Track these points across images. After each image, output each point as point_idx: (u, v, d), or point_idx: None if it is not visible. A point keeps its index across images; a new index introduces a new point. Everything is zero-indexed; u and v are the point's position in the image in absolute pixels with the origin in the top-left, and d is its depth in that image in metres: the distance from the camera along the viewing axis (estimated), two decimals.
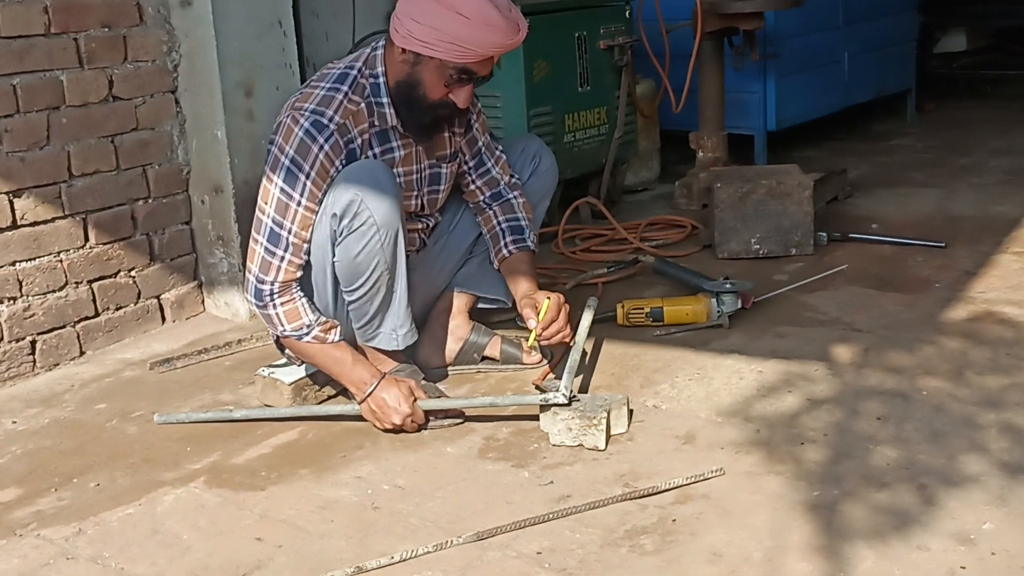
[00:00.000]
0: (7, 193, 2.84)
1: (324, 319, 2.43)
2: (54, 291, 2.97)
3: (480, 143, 2.72)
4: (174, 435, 2.52)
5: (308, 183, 2.37)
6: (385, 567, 1.91)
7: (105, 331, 3.11)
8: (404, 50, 2.37)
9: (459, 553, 1.94)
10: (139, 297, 3.20)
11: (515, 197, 2.76)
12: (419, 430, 2.45)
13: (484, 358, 2.77)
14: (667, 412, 2.47)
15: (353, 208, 2.34)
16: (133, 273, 3.18)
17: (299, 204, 2.37)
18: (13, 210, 2.85)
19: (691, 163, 4.49)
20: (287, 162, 2.36)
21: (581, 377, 2.67)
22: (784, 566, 1.83)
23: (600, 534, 1.97)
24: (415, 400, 2.41)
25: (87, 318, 3.06)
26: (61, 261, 2.98)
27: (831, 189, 4.19)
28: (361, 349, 2.55)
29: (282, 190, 2.37)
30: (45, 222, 2.93)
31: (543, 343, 2.57)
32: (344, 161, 2.41)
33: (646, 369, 2.72)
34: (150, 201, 3.20)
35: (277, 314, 2.41)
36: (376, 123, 2.46)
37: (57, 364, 2.99)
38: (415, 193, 2.60)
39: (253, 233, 2.43)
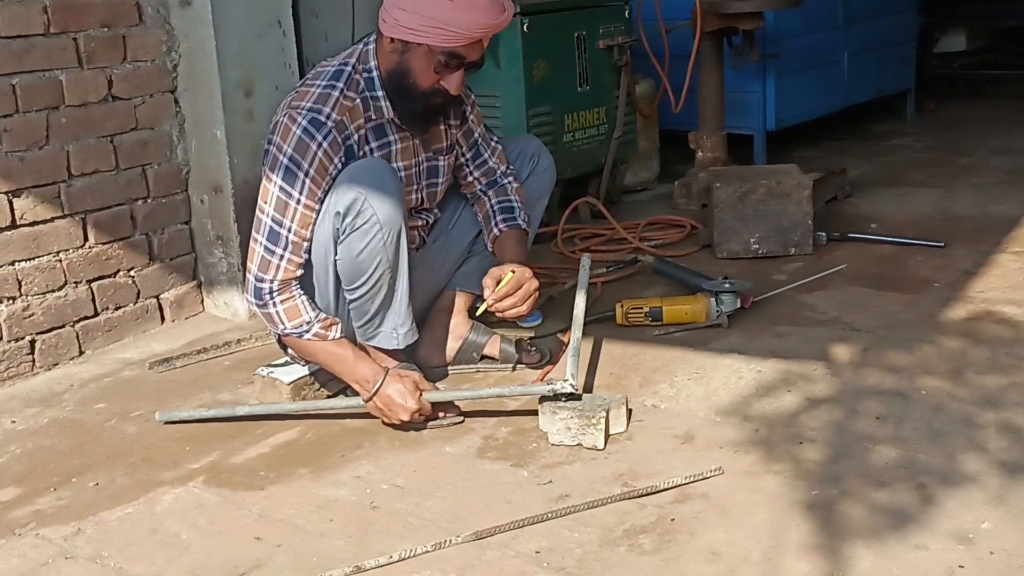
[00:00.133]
0: (6, 193, 2.84)
1: (324, 316, 2.43)
2: (53, 291, 2.97)
3: (476, 134, 2.73)
4: (173, 435, 2.52)
5: (307, 181, 2.37)
6: (384, 566, 1.91)
7: (104, 331, 3.11)
8: (393, 39, 2.38)
9: (458, 552, 1.94)
10: (138, 297, 3.20)
11: (509, 182, 2.77)
12: (427, 422, 2.44)
13: (483, 357, 2.77)
14: (666, 411, 2.47)
15: (356, 206, 2.34)
16: (132, 273, 3.18)
17: (298, 202, 2.37)
18: (12, 210, 2.86)
19: (690, 163, 4.49)
20: (285, 160, 2.37)
21: (581, 376, 2.67)
22: (783, 565, 1.83)
23: (599, 533, 1.97)
24: (421, 394, 2.41)
25: (86, 318, 3.06)
26: (60, 261, 2.98)
27: (830, 189, 4.19)
28: (362, 347, 2.55)
29: (281, 188, 2.37)
30: (44, 222, 2.93)
31: (498, 315, 2.55)
32: (343, 158, 2.42)
33: (645, 369, 2.72)
34: (149, 201, 3.20)
35: (277, 312, 2.41)
36: (373, 116, 2.47)
37: (56, 364, 2.99)
38: (415, 187, 2.60)
39: (253, 232, 2.43)
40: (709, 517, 2.00)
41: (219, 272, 3.29)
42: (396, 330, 2.51)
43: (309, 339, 2.42)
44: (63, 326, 3.00)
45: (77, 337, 3.04)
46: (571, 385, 2.34)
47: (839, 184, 4.28)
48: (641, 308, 3.00)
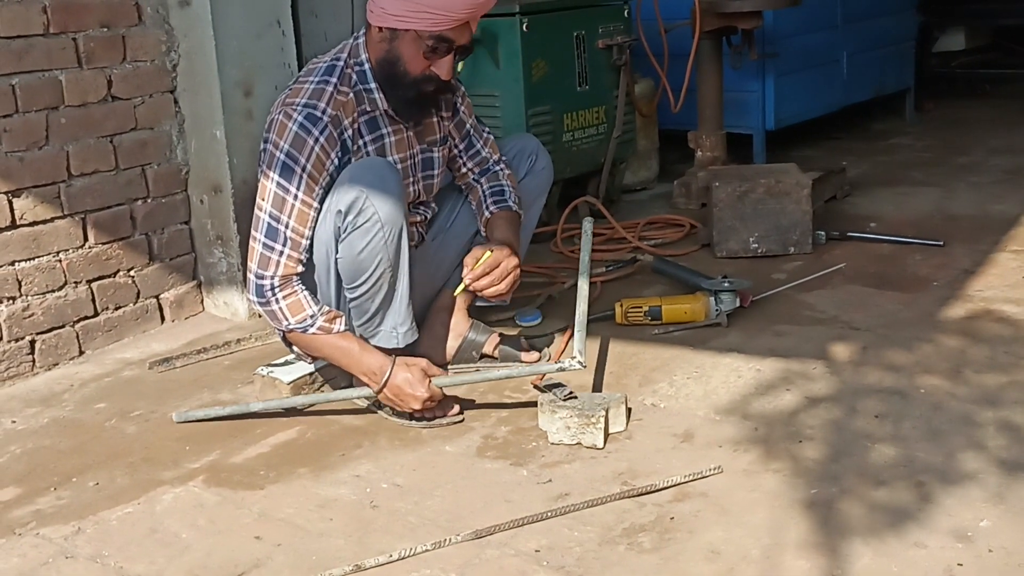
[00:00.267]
0: (6, 193, 2.84)
1: (328, 309, 2.43)
2: (53, 291, 2.97)
3: (468, 125, 2.74)
4: (173, 434, 2.53)
5: (304, 176, 2.37)
6: (384, 565, 1.91)
7: (104, 331, 3.11)
8: (381, 29, 2.40)
9: (457, 551, 1.94)
10: (138, 297, 3.20)
11: (500, 169, 2.77)
12: (433, 419, 2.46)
13: (483, 356, 2.77)
14: (665, 410, 2.47)
15: (358, 205, 2.34)
16: (132, 273, 3.18)
17: (295, 198, 2.38)
18: (12, 210, 2.86)
19: (690, 162, 4.50)
20: (282, 157, 2.37)
21: (579, 377, 2.68)
22: (782, 564, 1.84)
23: (598, 532, 1.97)
24: (430, 380, 2.40)
25: (86, 318, 3.06)
26: (60, 261, 2.98)
27: (830, 188, 4.19)
28: None
29: (278, 184, 2.38)
30: (44, 222, 2.94)
31: (478, 295, 2.55)
32: (339, 153, 2.42)
33: (644, 368, 2.72)
34: (149, 201, 3.20)
35: (280, 308, 2.41)
36: (368, 109, 2.48)
37: (56, 364, 2.99)
38: (411, 180, 2.61)
39: (252, 231, 2.43)
40: (708, 516, 2.00)
41: (219, 272, 3.30)
42: (396, 329, 2.52)
43: (314, 333, 2.41)
44: (63, 326, 3.00)
45: (77, 337, 3.04)
46: (579, 362, 2.33)
47: (838, 183, 4.29)
48: (640, 307, 3.01)
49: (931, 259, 3.44)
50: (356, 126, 2.46)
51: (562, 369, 2.36)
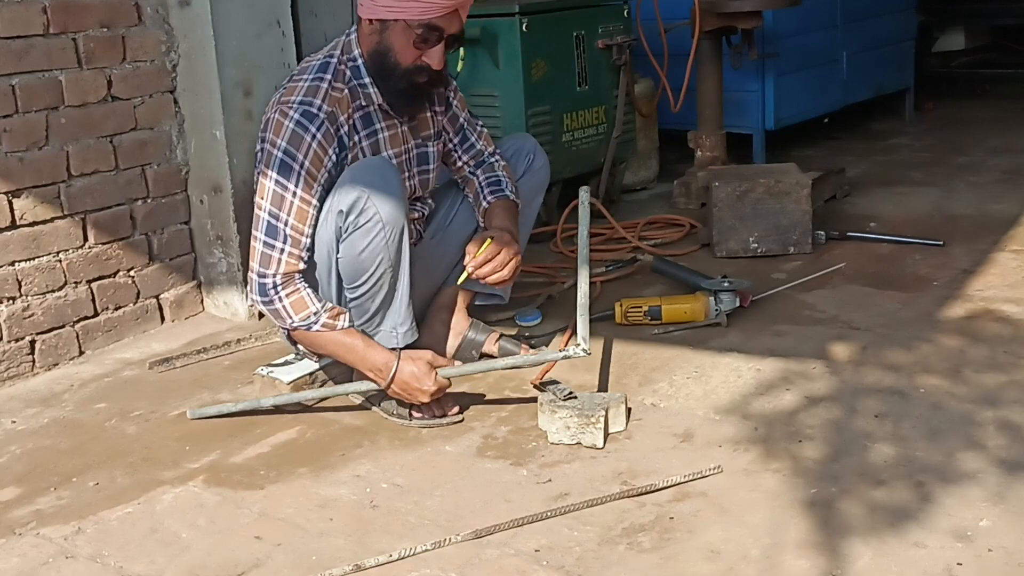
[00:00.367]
0: (6, 193, 2.84)
1: (331, 305, 2.43)
2: (53, 291, 2.97)
3: (461, 119, 2.75)
4: (173, 434, 2.53)
5: (303, 173, 2.38)
6: (383, 565, 1.91)
7: (104, 331, 3.12)
8: (371, 21, 2.41)
9: (457, 551, 1.94)
10: (138, 297, 3.21)
11: (496, 160, 2.78)
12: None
13: (483, 355, 2.78)
14: (665, 410, 2.47)
15: (359, 205, 2.35)
16: (132, 273, 3.18)
17: (294, 195, 2.38)
18: (12, 210, 2.86)
19: (690, 162, 4.50)
20: (280, 155, 2.37)
21: (581, 377, 2.68)
22: (781, 563, 1.84)
23: (598, 532, 1.97)
24: (436, 372, 2.40)
25: (86, 318, 3.06)
26: (60, 261, 2.98)
27: (829, 188, 4.19)
28: None
29: (277, 182, 2.38)
30: (44, 222, 2.94)
31: (481, 282, 2.55)
32: (337, 149, 2.43)
33: (644, 368, 2.72)
34: (149, 201, 3.20)
35: (284, 307, 2.41)
36: (363, 104, 2.48)
37: (56, 364, 2.99)
38: (407, 175, 2.61)
39: (252, 231, 2.43)
40: (708, 515, 2.00)
41: (219, 272, 3.30)
42: (396, 329, 2.52)
43: (318, 330, 2.41)
44: (63, 326, 3.00)
45: (77, 337, 3.04)
46: (583, 350, 2.33)
47: (838, 183, 4.29)
48: (640, 307, 3.01)
49: (931, 259, 3.44)
50: (352, 122, 2.47)
51: (566, 356, 2.36)
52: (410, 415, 2.47)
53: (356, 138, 2.48)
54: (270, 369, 2.66)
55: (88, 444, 2.51)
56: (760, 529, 1.94)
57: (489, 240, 2.51)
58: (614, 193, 4.36)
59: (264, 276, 2.40)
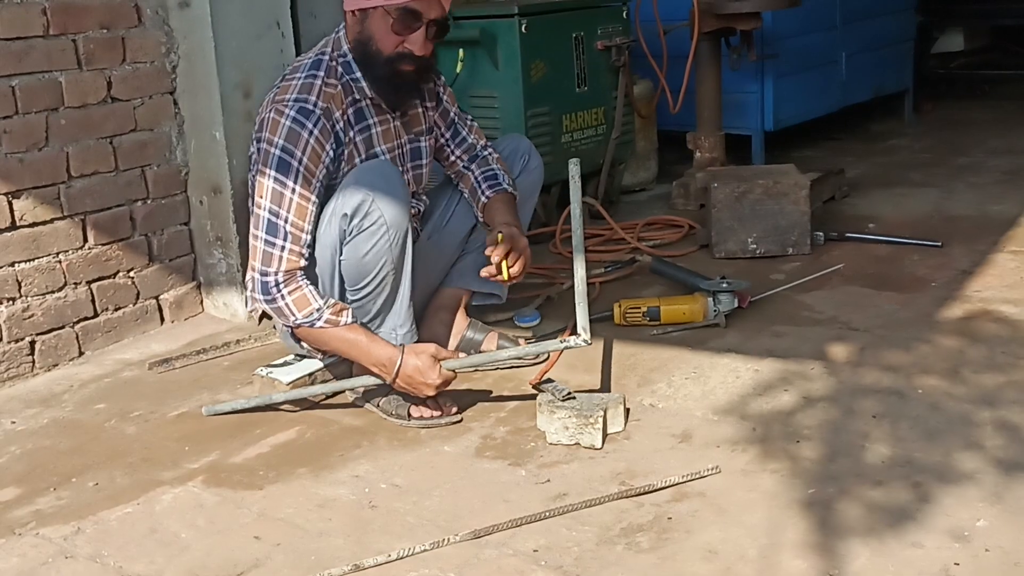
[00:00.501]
0: (6, 194, 2.85)
1: (333, 301, 2.43)
2: (53, 292, 2.98)
3: (452, 113, 2.77)
4: (173, 434, 2.53)
5: (301, 169, 2.38)
6: (382, 565, 1.91)
7: (104, 331, 3.12)
8: (354, 13, 2.43)
9: (456, 551, 1.94)
10: (138, 298, 3.21)
11: (489, 154, 2.79)
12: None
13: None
14: (663, 411, 2.48)
15: (364, 208, 2.35)
16: (132, 274, 3.19)
17: (293, 192, 2.38)
18: (12, 211, 2.86)
19: (689, 163, 4.50)
20: (278, 152, 2.38)
21: (579, 378, 2.68)
22: (779, 563, 1.84)
23: (596, 532, 1.98)
24: (440, 365, 2.40)
25: (86, 319, 3.07)
26: (60, 262, 2.99)
27: (828, 189, 4.19)
28: None
29: (275, 179, 2.38)
30: (44, 223, 2.94)
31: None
32: (333, 145, 2.44)
33: (643, 368, 2.73)
34: (149, 202, 3.21)
35: (287, 304, 2.41)
36: (357, 97, 2.50)
37: (56, 364, 2.99)
38: (401, 170, 2.62)
39: (251, 230, 2.44)
40: (706, 515, 2.01)
41: (218, 273, 3.30)
42: (396, 330, 2.52)
43: (321, 327, 2.41)
44: (63, 327, 3.01)
45: (77, 338, 3.05)
46: (584, 340, 2.33)
47: (837, 184, 4.29)
48: (639, 308, 3.01)
49: (929, 260, 3.44)
50: (347, 117, 2.48)
51: (567, 347, 2.37)
52: (408, 415, 2.48)
53: (351, 133, 2.49)
54: (269, 370, 2.66)
55: (88, 444, 2.51)
56: (758, 529, 1.95)
57: (499, 235, 2.51)
58: (613, 194, 4.37)
59: (266, 274, 2.40)
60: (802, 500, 2.03)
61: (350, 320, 2.42)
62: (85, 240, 3.05)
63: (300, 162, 2.38)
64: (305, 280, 2.42)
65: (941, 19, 6.53)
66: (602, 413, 2.32)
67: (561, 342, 2.39)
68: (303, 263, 2.42)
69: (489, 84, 3.93)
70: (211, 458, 2.40)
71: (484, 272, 2.52)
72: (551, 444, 2.33)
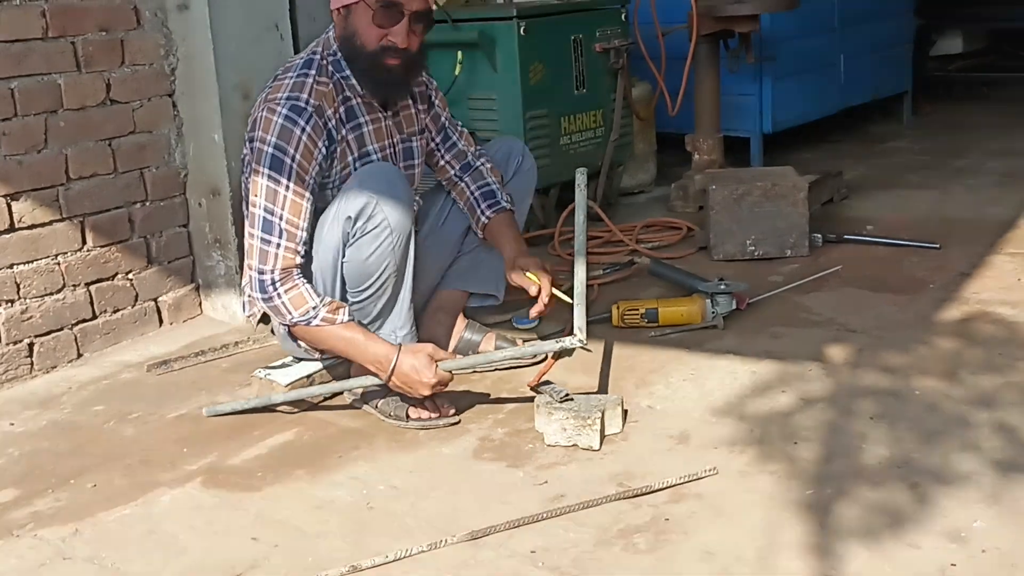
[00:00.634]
0: (5, 196, 2.85)
1: (330, 300, 2.43)
2: (52, 294, 2.98)
3: (443, 118, 2.78)
4: (171, 436, 2.53)
5: (294, 166, 2.39)
6: (380, 566, 1.91)
7: (103, 333, 3.12)
8: (339, 10, 2.46)
9: (453, 552, 1.95)
10: (137, 299, 3.21)
11: (482, 164, 2.80)
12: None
13: None
14: (661, 412, 2.48)
15: (368, 210, 2.36)
16: (131, 276, 3.19)
17: (287, 189, 2.39)
18: (11, 213, 2.87)
19: (687, 165, 4.50)
20: (271, 150, 2.39)
21: (578, 379, 2.69)
22: (776, 564, 1.84)
23: (594, 533, 1.98)
24: (437, 365, 2.40)
25: (85, 320, 3.07)
26: (59, 264, 2.99)
27: (826, 191, 4.20)
28: None
29: (269, 177, 2.39)
30: (43, 225, 2.94)
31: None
32: (326, 142, 2.45)
33: (641, 370, 2.73)
34: (147, 204, 3.21)
35: (283, 303, 2.41)
36: (349, 95, 2.51)
37: (55, 366, 3.00)
38: None
39: (247, 228, 2.45)
40: (703, 517, 2.01)
41: (217, 275, 3.30)
42: (396, 332, 2.53)
43: (318, 325, 2.41)
44: (61, 329, 3.01)
45: (75, 340, 3.05)
46: (580, 340, 2.34)
47: (835, 186, 4.30)
48: (637, 310, 3.02)
49: (927, 261, 3.45)
50: (339, 115, 2.49)
51: (563, 347, 2.38)
52: (407, 417, 2.48)
53: (343, 131, 2.50)
54: (268, 372, 2.67)
55: (86, 446, 2.52)
56: (755, 530, 1.95)
57: (532, 278, 2.55)
58: (612, 196, 4.37)
59: (263, 272, 2.41)
60: (800, 501, 2.04)
61: (347, 318, 2.43)
62: (84, 242, 3.05)
63: (293, 159, 2.39)
64: (302, 279, 2.42)
65: (940, 22, 6.54)
66: (600, 415, 2.32)
67: (557, 342, 2.40)
68: (299, 260, 2.42)
69: (488, 86, 3.93)
70: (209, 460, 2.40)
71: (535, 312, 2.56)
72: (549, 445, 2.34)
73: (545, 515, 2.03)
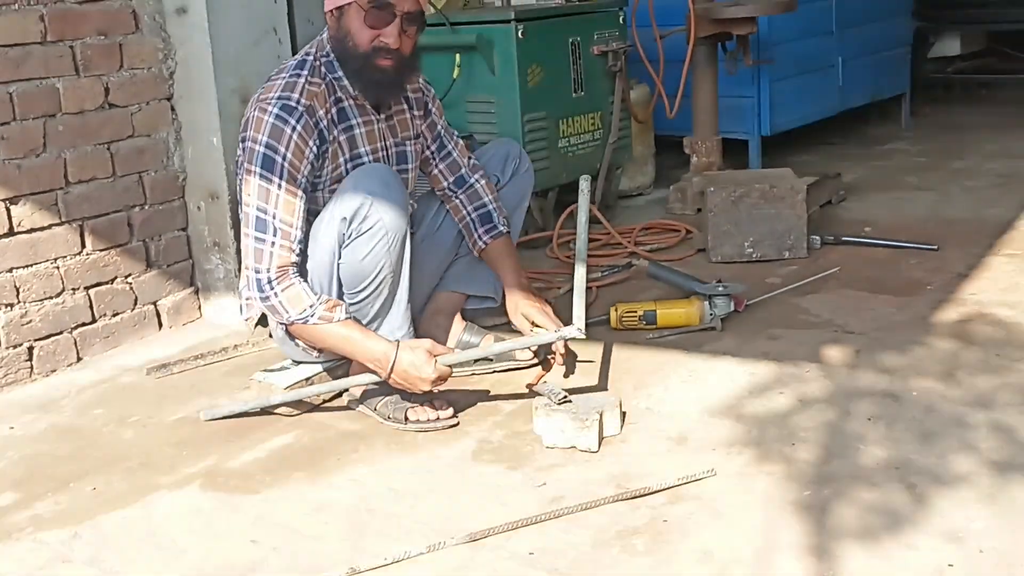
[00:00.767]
0: (4, 200, 2.86)
1: (327, 298, 2.44)
2: (51, 298, 2.98)
3: (439, 127, 2.79)
4: (170, 439, 2.54)
5: (286, 165, 2.40)
6: (378, 568, 1.92)
7: (102, 337, 3.13)
8: (332, 12, 2.48)
9: (452, 554, 1.95)
10: (136, 303, 3.22)
11: (477, 180, 2.81)
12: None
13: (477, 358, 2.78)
14: (659, 414, 2.48)
15: (363, 211, 2.37)
16: (130, 279, 3.19)
17: (280, 187, 2.40)
18: (10, 217, 2.87)
19: (686, 168, 4.51)
20: (262, 149, 2.40)
21: (574, 380, 2.69)
22: (774, 565, 1.85)
23: (592, 535, 1.98)
24: (436, 360, 2.41)
25: (84, 324, 3.07)
26: (58, 268, 3.00)
27: (825, 193, 4.20)
28: None
29: (261, 176, 2.40)
30: (42, 229, 2.95)
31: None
32: (317, 141, 2.45)
33: (639, 372, 2.73)
34: (146, 208, 3.22)
35: (280, 302, 2.42)
36: (341, 96, 2.52)
37: (54, 370, 3.00)
38: None
39: (243, 229, 2.46)
40: (702, 518, 2.01)
41: (216, 278, 3.31)
42: (393, 333, 2.53)
43: (316, 323, 2.42)
44: (61, 333, 3.01)
45: (75, 343, 3.05)
46: (579, 329, 2.35)
47: (833, 188, 4.30)
48: (635, 312, 3.02)
49: (925, 263, 3.45)
50: (330, 116, 2.50)
51: (562, 338, 2.41)
52: (405, 419, 2.48)
53: (335, 132, 2.51)
54: (266, 374, 2.67)
55: (86, 449, 2.52)
56: (753, 531, 1.95)
57: (534, 328, 2.62)
58: (610, 199, 4.38)
59: (259, 272, 2.41)
60: (798, 502, 2.04)
61: (344, 316, 2.43)
62: (83, 246, 3.06)
63: (284, 158, 2.40)
64: (298, 278, 2.43)
65: (937, 23, 6.55)
66: (598, 416, 2.33)
67: (556, 333, 2.41)
68: (295, 258, 2.43)
69: (486, 89, 3.94)
70: (208, 463, 2.40)
71: (539, 378, 2.60)
72: (547, 447, 2.34)
73: (543, 517, 2.03)
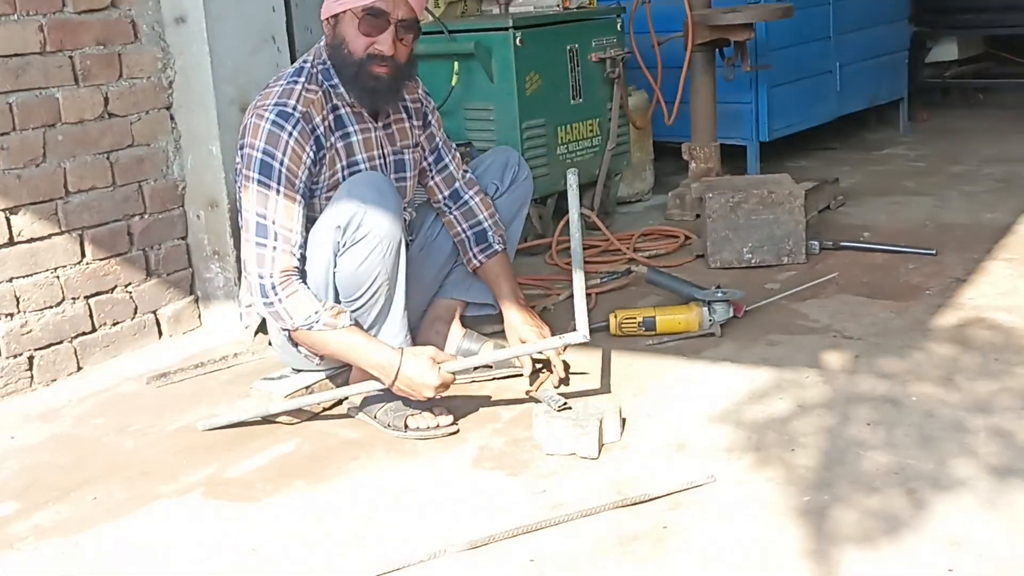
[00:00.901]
0: (4, 210, 2.86)
1: (331, 304, 2.44)
2: (51, 307, 2.99)
3: (438, 138, 2.80)
4: (171, 448, 2.54)
5: (283, 170, 2.41)
6: None
7: (102, 346, 3.13)
8: (329, 20, 2.49)
9: (452, 562, 1.95)
10: (136, 312, 3.22)
11: (472, 197, 2.82)
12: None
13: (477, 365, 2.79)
14: (659, 420, 2.48)
15: (356, 220, 2.38)
16: (130, 288, 3.20)
17: (278, 192, 2.41)
18: (10, 227, 2.88)
19: (684, 174, 4.52)
20: (260, 155, 2.41)
21: (574, 383, 2.70)
22: (775, 571, 1.85)
23: (592, 541, 1.98)
24: (439, 367, 2.41)
25: (84, 333, 3.08)
26: (58, 277, 3.00)
27: (823, 198, 4.21)
28: None
29: (259, 182, 2.41)
30: (42, 238, 2.95)
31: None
32: (314, 147, 2.46)
33: (639, 378, 2.74)
34: (146, 217, 3.22)
35: (285, 308, 2.42)
36: (337, 104, 2.53)
37: (55, 379, 3.00)
38: None
39: (243, 235, 2.47)
40: (702, 524, 2.01)
41: (216, 287, 3.31)
42: (390, 341, 2.53)
43: (320, 330, 2.42)
44: (61, 342, 3.02)
45: (75, 353, 3.06)
46: (583, 336, 2.35)
47: (831, 193, 4.31)
48: (635, 318, 3.02)
49: (924, 268, 3.46)
50: (327, 123, 2.51)
51: (565, 344, 2.43)
52: (405, 426, 2.48)
53: (332, 139, 2.52)
54: (266, 383, 2.67)
55: (86, 459, 2.52)
56: (754, 537, 1.95)
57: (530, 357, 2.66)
58: (609, 205, 4.38)
59: (262, 277, 2.42)
60: (798, 508, 2.04)
61: (348, 323, 2.43)
62: (83, 255, 3.06)
63: (281, 163, 2.41)
64: (301, 283, 2.43)
65: (935, 29, 6.56)
66: (598, 423, 2.33)
67: (560, 338, 2.42)
68: (296, 262, 2.44)
69: (484, 97, 3.95)
70: (209, 471, 2.40)
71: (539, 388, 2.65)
72: (548, 454, 2.34)
73: (544, 524, 2.03)
